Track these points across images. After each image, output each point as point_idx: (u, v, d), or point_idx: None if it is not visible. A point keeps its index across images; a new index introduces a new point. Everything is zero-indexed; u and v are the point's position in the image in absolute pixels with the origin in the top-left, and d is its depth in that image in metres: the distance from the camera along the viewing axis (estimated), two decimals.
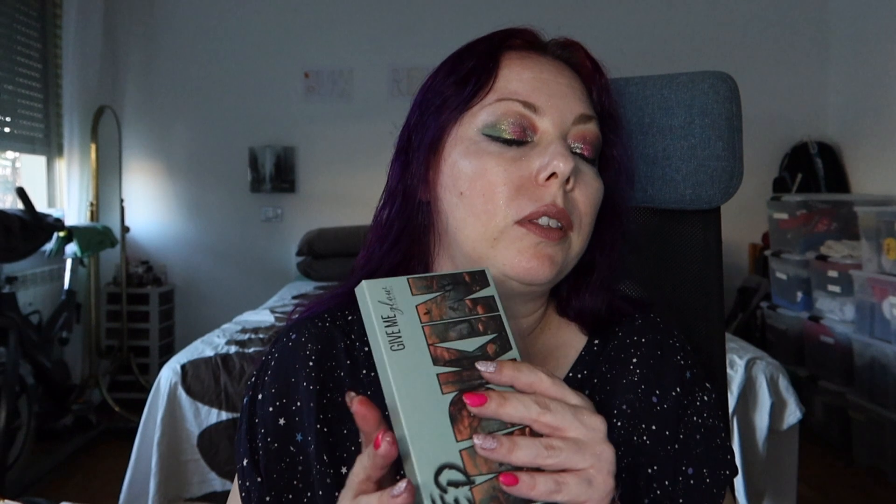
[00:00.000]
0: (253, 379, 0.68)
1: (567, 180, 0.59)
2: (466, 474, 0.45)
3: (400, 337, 0.48)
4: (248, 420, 0.65)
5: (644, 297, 0.73)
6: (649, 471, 0.62)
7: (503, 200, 0.59)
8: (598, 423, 0.47)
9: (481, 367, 0.48)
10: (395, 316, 0.49)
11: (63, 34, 3.48)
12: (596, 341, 0.69)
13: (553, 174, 0.59)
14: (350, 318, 0.69)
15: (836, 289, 2.98)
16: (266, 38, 3.95)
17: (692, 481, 0.62)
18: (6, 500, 0.78)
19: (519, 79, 0.62)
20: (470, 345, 0.50)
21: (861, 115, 3.61)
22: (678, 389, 0.65)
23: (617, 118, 0.68)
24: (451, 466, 0.45)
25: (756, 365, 2.08)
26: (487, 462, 0.46)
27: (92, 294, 3.54)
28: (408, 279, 0.50)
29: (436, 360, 0.48)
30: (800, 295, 3.22)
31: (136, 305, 3.74)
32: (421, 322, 0.49)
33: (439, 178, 0.65)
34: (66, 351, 3.31)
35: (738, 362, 2.07)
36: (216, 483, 2.02)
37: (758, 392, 2.04)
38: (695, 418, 0.64)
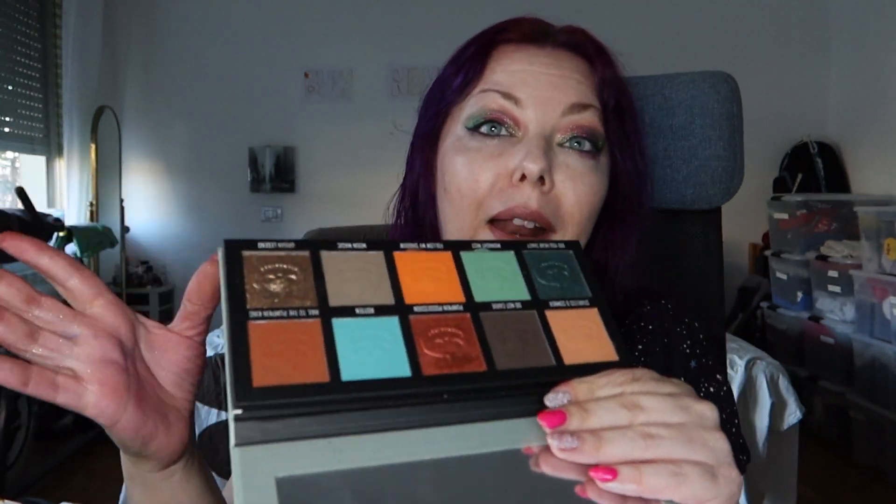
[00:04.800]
0: None
1: (543, 181, 0.56)
2: None
3: None
4: None
5: (660, 287, 0.69)
6: None
7: (477, 199, 0.58)
8: (704, 410, 0.40)
9: (556, 400, 0.40)
10: None
11: (63, 34, 3.48)
12: None
13: (524, 175, 0.56)
14: None
15: (837, 289, 2.98)
16: (266, 38, 3.94)
17: None
18: (6, 500, 0.78)
19: (505, 70, 0.60)
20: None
21: (861, 114, 3.61)
22: (681, 380, 0.64)
23: (622, 111, 0.63)
24: None
25: (756, 365, 2.08)
26: None
27: None
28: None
29: None
30: (800, 295, 3.22)
31: (136, 305, 3.73)
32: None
33: (436, 173, 0.64)
34: None
35: (738, 362, 2.07)
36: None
37: (758, 392, 2.04)
38: None
